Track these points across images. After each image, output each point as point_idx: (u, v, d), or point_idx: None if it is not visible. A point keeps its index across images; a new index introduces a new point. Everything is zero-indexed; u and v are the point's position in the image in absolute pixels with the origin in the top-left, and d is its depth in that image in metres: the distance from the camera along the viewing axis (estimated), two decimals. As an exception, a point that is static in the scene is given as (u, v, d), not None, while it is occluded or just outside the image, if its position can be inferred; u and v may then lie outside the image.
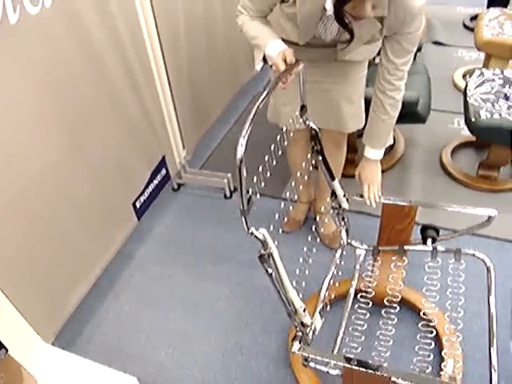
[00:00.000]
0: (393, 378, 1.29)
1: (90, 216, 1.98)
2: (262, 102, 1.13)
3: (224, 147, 3.02)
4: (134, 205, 2.28)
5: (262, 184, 1.29)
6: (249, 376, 1.81)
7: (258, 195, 1.18)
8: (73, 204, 1.86)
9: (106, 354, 1.92)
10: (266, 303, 2.04)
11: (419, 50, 2.85)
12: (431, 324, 1.72)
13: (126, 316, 2.07)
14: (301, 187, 2.33)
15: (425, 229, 1.82)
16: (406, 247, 1.86)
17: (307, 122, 1.58)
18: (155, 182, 2.44)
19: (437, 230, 1.81)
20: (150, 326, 2.02)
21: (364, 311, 1.74)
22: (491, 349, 1.40)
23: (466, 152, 2.84)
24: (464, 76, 3.49)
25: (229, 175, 2.59)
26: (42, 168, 1.67)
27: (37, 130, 1.62)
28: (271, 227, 1.23)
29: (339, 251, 1.88)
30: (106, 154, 2.01)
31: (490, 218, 1.66)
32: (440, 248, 1.80)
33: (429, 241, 1.79)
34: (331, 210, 2.31)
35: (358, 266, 1.93)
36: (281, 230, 2.32)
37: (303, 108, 1.54)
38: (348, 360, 1.33)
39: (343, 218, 1.88)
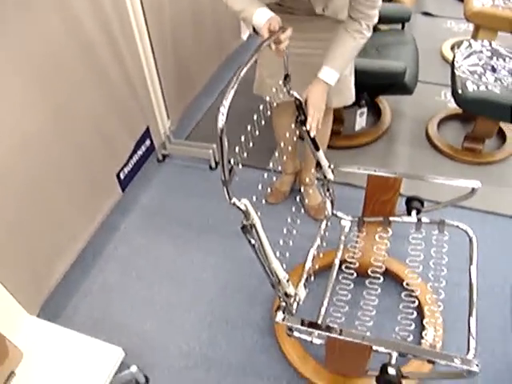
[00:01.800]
0: (374, 347, 1.32)
1: (74, 188, 1.95)
2: (243, 70, 1.10)
3: (209, 118, 2.98)
4: (118, 176, 2.25)
5: (245, 154, 1.27)
6: (234, 345, 1.83)
7: (241, 165, 1.17)
8: (56, 176, 1.83)
9: (92, 325, 1.92)
10: (251, 274, 2.05)
11: (407, 20, 2.81)
12: (414, 294, 1.75)
13: (111, 287, 2.07)
14: (284, 158, 2.32)
15: (410, 200, 1.84)
16: (390, 218, 1.88)
17: (291, 92, 1.56)
18: (139, 152, 2.41)
19: (421, 202, 1.83)
20: (136, 298, 2.02)
21: (348, 282, 1.76)
22: (470, 318, 1.43)
23: (452, 124, 2.84)
24: (452, 48, 3.47)
25: (214, 146, 2.57)
26: (25, 140, 1.64)
27: (18, 102, 1.58)
28: (256, 198, 1.22)
29: (324, 222, 1.89)
30: (89, 125, 1.97)
31: (473, 189, 1.67)
32: (424, 219, 1.82)
33: (413, 212, 1.81)
34: (316, 182, 2.31)
35: (342, 237, 1.95)
36: (264, 201, 2.32)
37: (287, 77, 1.52)
38: (331, 329, 1.35)
39: (328, 189, 1.88)
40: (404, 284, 1.78)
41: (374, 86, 2.42)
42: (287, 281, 1.40)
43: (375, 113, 2.88)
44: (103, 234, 2.26)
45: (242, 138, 1.29)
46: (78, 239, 2.06)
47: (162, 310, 1.97)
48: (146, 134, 2.44)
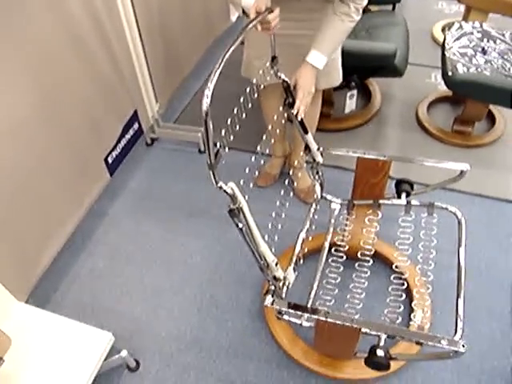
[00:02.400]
0: (363, 329, 1.33)
1: (61, 173, 1.93)
2: (228, 52, 1.08)
3: (198, 101, 2.92)
4: (105, 160, 2.23)
5: (231, 138, 1.25)
6: (224, 329, 1.84)
7: (227, 149, 1.15)
8: (43, 161, 1.80)
9: (82, 310, 1.92)
10: (241, 258, 2.05)
11: (398, 1, 2.79)
12: (403, 276, 1.76)
13: (101, 272, 2.06)
14: (273, 140, 2.31)
15: (399, 183, 1.83)
16: (380, 201, 1.87)
17: (279, 74, 1.54)
18: (127, 136, 2.38)
19: (411, 184, 1.82)
20: (125, 282, 2.01)
21: (338, 264, 1.76)
22: (459, 299, 1.44)
23: (442, 107, 2.84)
24: (443, 29, 3.45)
25: (203, 129, 2.54)
26: (12, 126, 1.62)
27: (4, 89, 1.55)
28: (243, 181, 1.21)
29: (314, 205, 1.88)
30: (77, 110, 1.94)
31: (462, 172, 1.67)
32: (414, 202, 1.82)
33: (403, 195, 1.81)
34: (305, 164, 2.30)
35: (332, 220, 1.95)
36: (253, 184, 2.31)
37: (274, 59, 1.50)
38: (318, 312, 1.35)
39: (317, 172, 1.88)
40: (393, 267, 1.79)
41: (363, 68, 2.40)
42: (276, 264, 1.40)
43: (365, 95, 2.87)
44: (92, 219, 2.24)
45: (229, 121, 1.27)
46: (67, 224, 2.04)
47: (151, 294, 1.97)
48: (134, 117, 2.41)
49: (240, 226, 1.21)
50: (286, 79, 1.55)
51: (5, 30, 1.50)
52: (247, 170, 1.78)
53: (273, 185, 2.36)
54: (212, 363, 1.74)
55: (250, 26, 1.27)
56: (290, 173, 2.34)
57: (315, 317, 1.35)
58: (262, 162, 2.39)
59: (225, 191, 1.13)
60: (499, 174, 2.38)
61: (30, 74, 1.65)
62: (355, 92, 2.41)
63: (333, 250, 1.82)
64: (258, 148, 2.45)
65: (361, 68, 2.36)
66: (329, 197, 1.98)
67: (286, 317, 1.53)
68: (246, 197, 1.20)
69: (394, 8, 2.80)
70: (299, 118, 1.60)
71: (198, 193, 2.36)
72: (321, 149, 1.78)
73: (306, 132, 1.69)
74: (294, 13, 1.64)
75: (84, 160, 2.07)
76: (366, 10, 3.02)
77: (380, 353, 1.31)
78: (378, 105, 2.78)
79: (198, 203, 2.32)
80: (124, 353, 1.65)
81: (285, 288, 1.49)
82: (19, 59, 1.59)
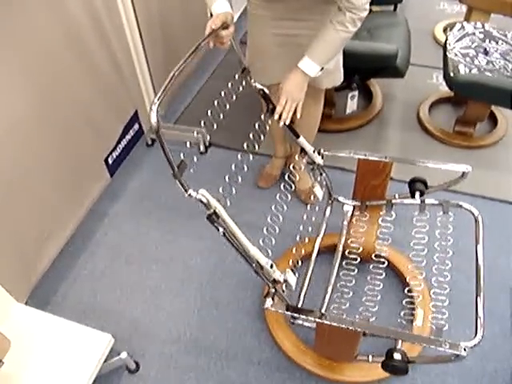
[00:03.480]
0: (361, 330, 1.32)
1: (62, 173, 1.93)
2: (179, 69, 1.14)
3: (199, 101, 2.94)
4: (106, 161, 2.23)
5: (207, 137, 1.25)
6: (224, 330, 1.83)
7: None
8: (43, 161, 1.80)
9: (82, 311, 1.91)
10: (241, 259, 2.04)
11: (400, 1, 2.77)
12: (419, 277, 1.72)
13: (101, 273, 2.05)
14: (260, 137, 2.29)
15: (413, 182, 1.78)
16: (393, 201, 1.83)
17: (253, 84, 1.55)
18: (128, 137, 2.38)
19: (425, 183, 1.78)
20: (125, 283, 2.01)
21: (352, 267, 1.72)
22: (478, 299, 1.40)
23: (443, 108, 2.83)
24: (445, 30, 3.44)
25: (203, 130, 2.53)
26: (11, 126, 1.61)
27: (3, 88, 1.55)
28: (240, 180, 1.20)
29: (329, 208, 1.86)
30: (77, 110, 1.94)
31: (464, 173, 1.66)
32: (428, 201, 1.77)
33: (417, 194, 1.76)
34: (304, 166, 2.29)
35: (345, 222, 1.91)
36: (235, 184, 2.29)
37: (244, 70, 1.52)
38: (317, 315, 1.34)
39: (321, 174, 1.85)
40: (408, 267, 1.74)
41: (365, 69, 2.39)
42: (271, 266, 1.36)
43: (366, 96, 2.86)
44: (92, 220, 2.23)
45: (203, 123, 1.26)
46: (67, 225, 2.04)
47: (151, 295, 1.96)
48: (135, 118, 2.41)
49: (221, 230, 1.20)
50: (263, 88, 1.56)
51: (4, 29, 1.50)
52: (233, 167, 1.75)
53: (274, 185, 2.36)
54: (212, 365, 1.74)
55: (203, 43, 1.35)
56: (291, 174, 2.33)
57: (314, 319, 1.35)
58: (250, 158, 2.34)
59: (199, 199, 1.13)
60: (501, 176, 2.37)
61: (28, 73, 1.64)
62: (356, 93, 2.40)
63: (346, 252, 1.80)
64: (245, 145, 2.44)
65: (362, 69, 2.36)
66: (341, 198, 1.95)
67: (299, 322, 1.51)
68: (228, 201, 1.18)
69: (395, 8, 2.79)
70: (280, 125, 1.56)
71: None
72: (322, 150, 1.77)
73: (297, 136, 1.68)
74: (293, 12, 1.62)
75: (84, 161, 2.06)
76: (367, 11, 2.99)
77: (397, 356, 1.29)
78: (380, 105, 2.77)
79: (198, 204, 2.30)
80: (124, 354, 1.64)
81: (288, 291, 1.46)
82: (18, 59, 1.58)
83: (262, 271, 1.37)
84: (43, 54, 1.69)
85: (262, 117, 1.85)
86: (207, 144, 2.59)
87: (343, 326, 1.31)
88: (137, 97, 2.39)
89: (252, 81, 1.55)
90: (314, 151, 1.74)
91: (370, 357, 1.53)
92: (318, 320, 1.33)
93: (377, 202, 1.87)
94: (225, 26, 1.39)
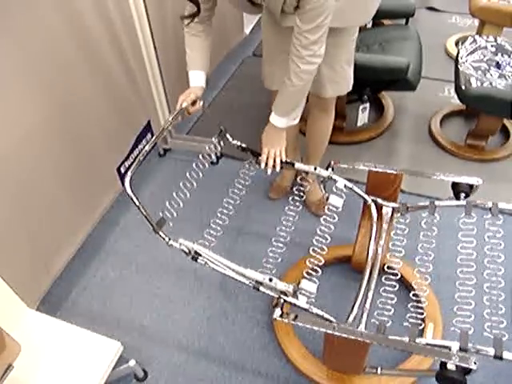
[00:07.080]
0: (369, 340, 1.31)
1: (74, 181, 1.95)
2: (158, 137, 1.36)
3: (211, 112, 2.97)
4: (118, 170, 2.25)
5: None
6: (233, 341, 1.83)
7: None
8: (56, 169, 1.83)
9: (91, 318, 1.92)
10: (251, 269, 2.04)
11: (412, 15, 2.79)
12: (469, 283, 1.55)
13: (111, 281, 2.07)
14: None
15: (456, 184, 1.71)
16: (436, 203, 1.73)
17: (233, 142, 1.80)
18: (140, 147, 2.40)
19: (470, 185, 1.70)
20: (135, 291, 2.02)
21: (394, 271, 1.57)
22: None
23: (455, 121, 2.82)
24: (457, 43, 3.44)
25: (215, 140, 2.55)
26: (25, 134, 1.64)
27: (19, 97, 1.58)
28: (248, 191, 1.20)
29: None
30: (90, 119, 1.97)
31: (474, 186, 1.65)
32: (474, 202, 1.65)
33: (462, 195, 1.69)
34: (311, 180, 2.28)
35: (385, 225, 1.80)
36: (245, 194, 2.30)
37: (221, 132, 1.80)
38: (327, 325, 1.33)
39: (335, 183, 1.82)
40: (457, 272, 1.63)
41: (376, 82, 2.40)
42: (269, 280, 1.37)
43: (378, 108, 2.87)
44: (103, 228, 2.26)
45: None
46: (78, 233, 2.06)
47: (161, 304, 1.97)
48: (147, 127, 2.44)
49: (210, 264, 1.41)
50: (241, 145, 1.76)
51: (20, 40, 1.53)
52: (256, 180, 1.77)
53: (284, 197, 2.36)
54: (220, 376, 1.73)
55: (171, 119, 1.59)
56: (301, 185, 2.33)
57: (323, 330, 1.34)
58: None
59: (180, 249, 1.40)
60: (513, 189, 2.35)
61: (43, 83, 1.67)
62: (368, 105, 2.41)
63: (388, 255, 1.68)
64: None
65: (373, 81, 2.37)
66: (379, 201, 1.86)
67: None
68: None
69: (407, 22, 2.81)
70: (269, 172, 1.68)
71: (209, 204, 2.36)
72: (332, 162, 1.76)
73: (292, 165, 1.72)
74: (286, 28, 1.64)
75: (97, 169, 2.09)
76: (379, 24, 3.05)
77: (451, 367, 1.25)
78: (391, 118, 2.78)
79: (209, 214, 2.32)
80: (132, 362, 1.65)
81: (304, 299, 1.39)
82: (33, 69, 1.61)
83: (263, 286, 1.40)
84: (59, 67, 1.72)
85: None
86: (219, 155, 2.60)
87: (348, 336, 1.30)
88: (150, 107, 2.42)
89: (230, 139, 1.76)
90: (315, 168, 1.73)
91: (379, 369, 1.52)
92: (329, 331, 1.32)
93: (420, 203, 1.77)
94: (193, 102, 1.65)
